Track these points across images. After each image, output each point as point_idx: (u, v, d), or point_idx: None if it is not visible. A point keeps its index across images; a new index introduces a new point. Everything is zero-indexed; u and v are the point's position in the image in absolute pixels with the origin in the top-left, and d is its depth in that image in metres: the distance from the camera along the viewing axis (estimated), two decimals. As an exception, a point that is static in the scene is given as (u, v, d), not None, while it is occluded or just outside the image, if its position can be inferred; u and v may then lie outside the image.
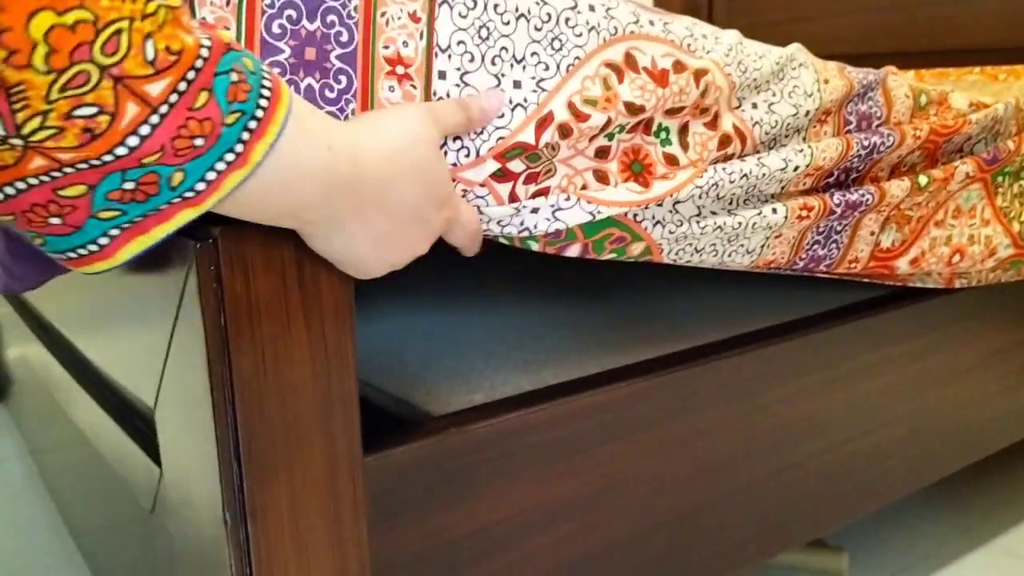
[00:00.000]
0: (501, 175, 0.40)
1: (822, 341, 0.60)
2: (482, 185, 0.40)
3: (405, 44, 0.37)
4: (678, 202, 0.45)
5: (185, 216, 0.29)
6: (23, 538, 0.87)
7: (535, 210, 0.41)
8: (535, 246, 0.43)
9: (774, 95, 0.49)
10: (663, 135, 0.45)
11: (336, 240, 0.35)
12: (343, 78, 0.36)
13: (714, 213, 0.47)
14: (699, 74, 0.44)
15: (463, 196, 0.40)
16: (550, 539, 0.48)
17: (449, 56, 0.38)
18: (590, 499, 0.49)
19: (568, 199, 0.41)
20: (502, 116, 0.39)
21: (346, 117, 0.36)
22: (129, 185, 0.27)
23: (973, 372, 0.73)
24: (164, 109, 0.27)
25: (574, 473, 0.48)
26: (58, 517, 0.90)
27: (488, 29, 0.39)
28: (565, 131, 0.40)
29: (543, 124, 0.40)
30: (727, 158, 0.47)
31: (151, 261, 0.39)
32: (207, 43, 0.28)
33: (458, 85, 0.38)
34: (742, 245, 0.50)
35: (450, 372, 0.53)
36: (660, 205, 0.44)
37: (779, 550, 0.61)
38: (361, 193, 0.33)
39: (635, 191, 0.43)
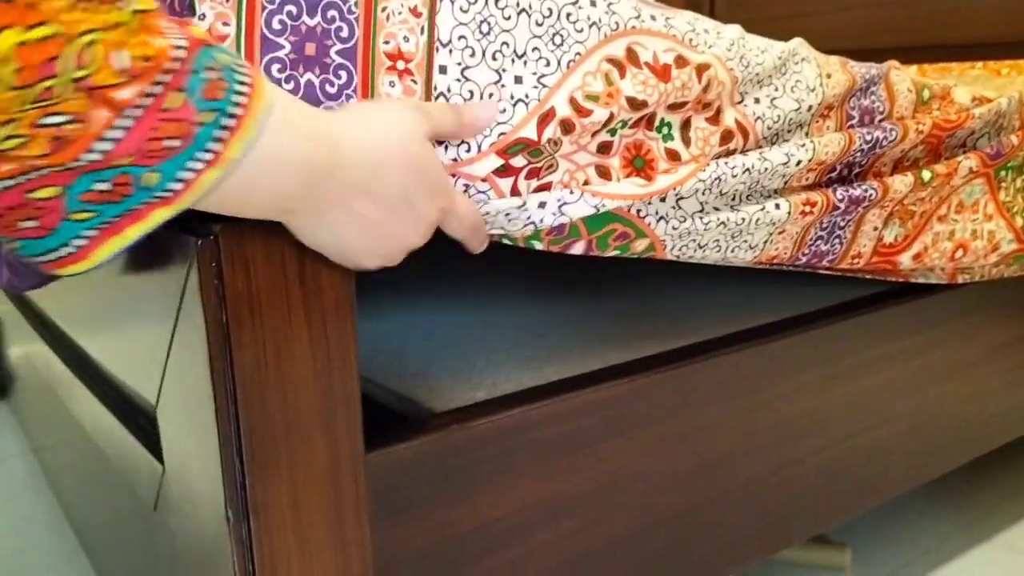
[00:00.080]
0: (503, 170, 0.40)
1: (823, 337, 0.60)
2: (484, 180, 0.39)
3: (406, 39, 0.37)
4: (681, 198, 0.45)
5: (160, 215, 0.29)
6: (25, 536, 0.87)
7: (542, 204, 0.41)
8: (539, 245, 0.43)
9: (776, 90, 0.49)
10: (665, 130, 0.45)
11: (323, 231, 0.34)
12: (343, 73, 0.36)
13: (717, 209, 0.47)
14: (701, 69, 0.44)
15: (464, 191, 0.39)
16: (552, 535, 0.48)
17: (450, 51, 0.38)
18: (592, 495, 0.49)
19: (572, 193, 0.41)
20: (503, 111, 0.39)
21: (346, 112, 0.36)
22: (103, 187, 0.27)
23: (975, 368, 0.73)
24: (136, 113, 0.26)
25: (576, 469, 0.48)
26: (60, 515, 0.90)
27: (489, 24, 0.39)
28: (567, 127, 0.40)
29: (545, 120, 0.40)
30: (729, 153, 0.47)
31: (152, 258, 0.39)
32: (181, 43, 0.27)
33: (459, 80, 0.38)
34: (745, 241, 0.50)
35: (452, 369, 0.53)
36: (663, 201, 0.44)
37: (780, 546, 0.61)
38: (344, 181, 0.33)
39: (639, 184, 0.43)
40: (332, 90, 0.36)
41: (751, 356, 0.55)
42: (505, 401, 0.47)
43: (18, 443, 1.09)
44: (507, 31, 0.39)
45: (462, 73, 0.38)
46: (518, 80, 0.40)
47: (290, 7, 0.35)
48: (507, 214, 0.40)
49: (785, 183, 0.50)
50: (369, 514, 0.40)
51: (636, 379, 0.50)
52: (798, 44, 0.51)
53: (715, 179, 0.45)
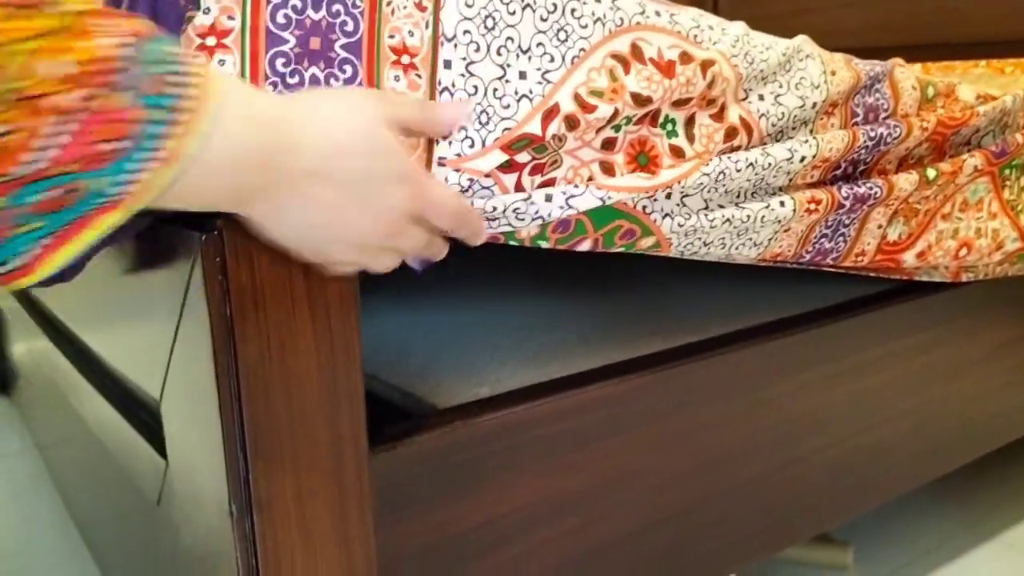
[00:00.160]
0: (508, 166, 0.40)
1: (825, 336, 0.60)
2: (488, 176, 0.39)
3: (411, 33, 0.37)
4: (686, 195, 0.45)
5: (110, 220, 0.28)
6: (29, 532, 0.87)
7: (548, 198, 0.40)
8: (545, 244, 0.43)
9: (781, 87, 0.49)
10: (669, 127, 0.45)
11: (282, 221, 0.33)
12: (348, 68, 0.36)
13: (721, 206, 0.47)
14: (706, 65, 0.44)
15: (469, 186, 0.39)
16: (555, 532, 0.48)
17: (455, 46, 0.38)
18: (595, 492, 0.49)
19: (577, 187, 0.41)
20: (507, 107, 0.39)
21: (351, 107, 0.36)
22: (50, 195, 0.26)
23: (978, 366, 0.72)
24: (78, 117, 0.26)
25: (579, 466, 0.48)
26: (64, 510, 0.90)
27: (494, 19, 0.39)
28: (572, 123, 0.40)
29: (549, 115, 0.40)
30: (733, 150, 0.47)
31: (156, 253, 0.39)
32: (124, 40, 0.26)
33: (463, 75, 0.38)
34: (750, 238, 0.50)
35: (456, 366, 0.53)
36: (668, 198, 0.44)
37: (783, 545, 0.61)
38: (299, 166, 0.32)
39: (644, 177, 0.43)
40: (337, 84, 0.36)
41: (754, 354, 0.55)
42: (508, 398, 0.46)
43: (21, 439, 1.09)
44: (512, 26, 0.39)
45: (467, 68, 0.38)
46: (522, 76, 0.39)
47: (295, 1, 0.35)
48: (515, 209, 0.40)
49: (790, 180, 0.50)
50: (373, 510, 0.40)
51: (639, 377, 0.50)
52: (802, 41, 0.51)
53: (719, 173, 0.45)
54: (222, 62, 0.34)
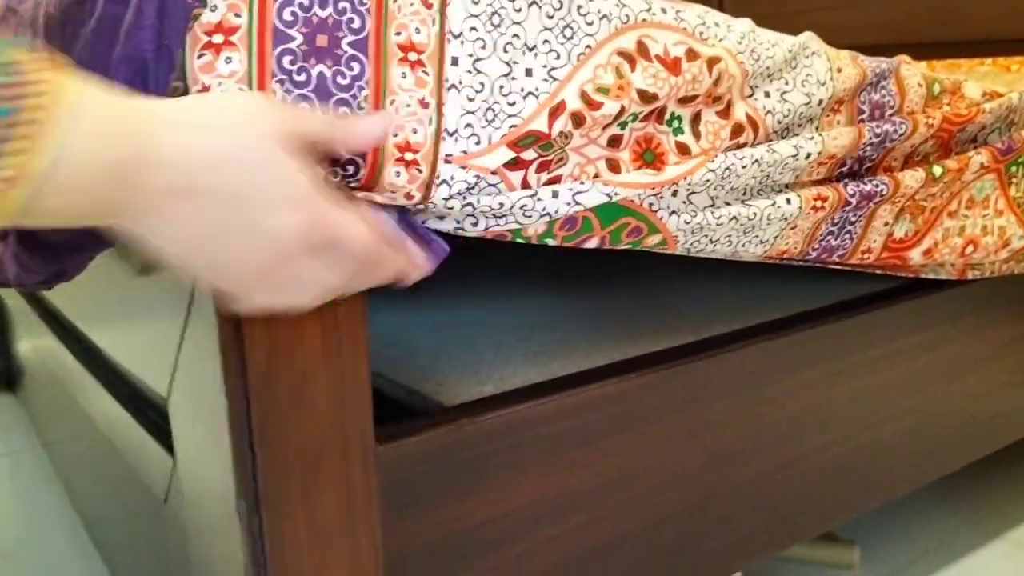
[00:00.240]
0: (514, 163, 0.40)
1: (830, 334, 0.59)
2: (494, 173, 0.39)
3: (417, 30, 0.37)
4: (692, 192, 0.45)
5: None
6: (36, 529, 0.87)
7: (555, 194, 0.40)
8: (552, 242, 0.43)
9: (787, 84, 0.49)
10: (675, 124, 0.45)
11: (164, 238, 0.30)
12: (355, 65, 0.36)
13: (728, 204, 0.47)
14: (712, 62, 0.44)
15: (475, 183, 0.39)
16: (559, 530, 0.48)
17: (461, 42, 0.38)
18: (599, 490, 0.49)
19: (583, 183, 0.41)
20: (514, 104, 0.39)
21: (358, 104, 0.36)
22: None
23: (983, 365, 0.72)
24: None
25: (583, 464, 0.48)
26: (70, 508, 0.90)
27: (500, 16, 0.39)
28: (578, 120, 0.40)
29: (555, 113, 0.40)
30: (739, 147, 0.47)
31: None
32: None
33: (470, 72, 0.38)
34: (757, 236, 0.50)
35: (460, 363, 0.53)
36: (675, 195, 0.44)
37: (788, 543, 0.61)
38: (158, 182, 0.28)
39: (650, 174, 0.43)
40: (344, 82, 0.36)
41: (757, 352, 0.55)
42: (513, 396, 0.47)
43: (28, 437, 1.09)
44: (518, 23, 0.39)
45: (473, 65, 0.38)
46: (528, 73, 0.39)
47: (302, -1, 0.35)
48: (523, 206, 0.40)
49: (796, 177, 0.50)
50: (379, 507, 0.40)
51: (643, 375, 0.50)
52: (808, 38, 0.51)
53: (725, 170, 0.45)
54: (229, 60, 0.34)
